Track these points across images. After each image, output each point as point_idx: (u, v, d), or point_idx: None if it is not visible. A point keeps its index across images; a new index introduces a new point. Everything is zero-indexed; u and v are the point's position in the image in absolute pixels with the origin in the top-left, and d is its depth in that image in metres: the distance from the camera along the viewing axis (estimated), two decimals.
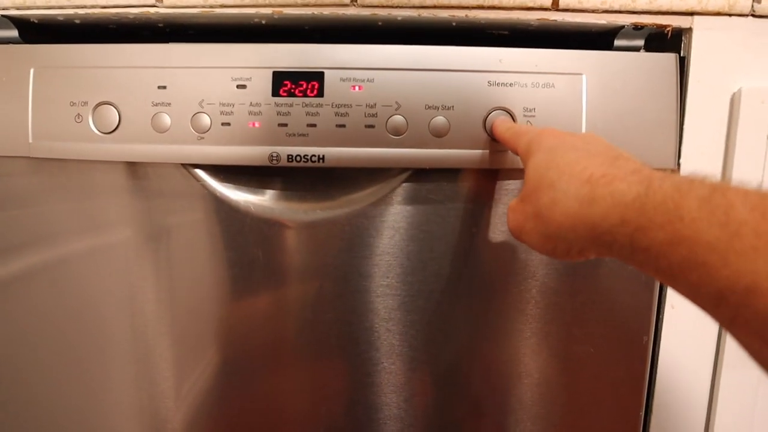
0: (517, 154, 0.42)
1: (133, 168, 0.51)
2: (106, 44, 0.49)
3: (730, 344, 0.53)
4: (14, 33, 0.53)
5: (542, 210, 0.35)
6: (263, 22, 0.53)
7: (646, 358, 0.52)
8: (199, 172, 0.50)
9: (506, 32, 0.56)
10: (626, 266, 0.50)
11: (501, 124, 0.46)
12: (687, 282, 0.27)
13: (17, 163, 0.51)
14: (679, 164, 0.50)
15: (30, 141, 0.50)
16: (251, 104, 0.48)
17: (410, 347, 0.52)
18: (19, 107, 0.50)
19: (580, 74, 0.48)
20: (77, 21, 0.54)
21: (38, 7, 0.52)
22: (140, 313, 0.52)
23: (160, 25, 0.56)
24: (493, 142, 0.47)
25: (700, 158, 0.50)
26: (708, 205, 0.26)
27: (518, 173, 0.49)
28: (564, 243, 0.34)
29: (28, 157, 0.50)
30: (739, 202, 0.25)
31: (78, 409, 0.54)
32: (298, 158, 0.48)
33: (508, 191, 0.50)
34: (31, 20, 0.54)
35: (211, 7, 0.50)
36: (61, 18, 0.53)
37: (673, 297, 0.52)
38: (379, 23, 0.52)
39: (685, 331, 0.52)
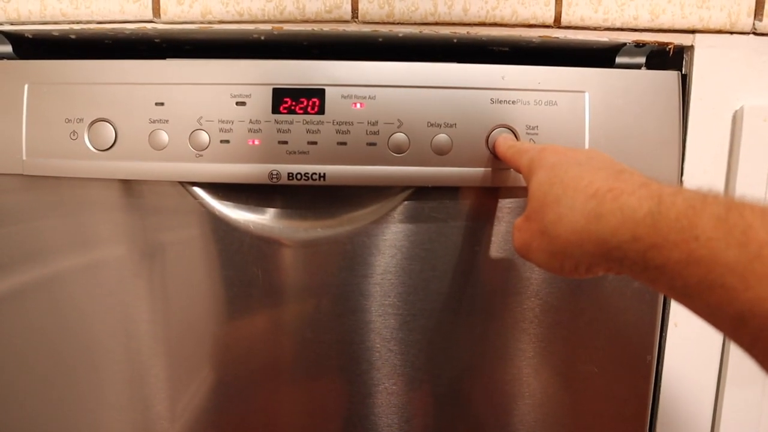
0: (519, 172, 0.41)
1: (130, 186, 0.50)
2: (103, 60, 0.48)
3: (734, 362, 0.52)
4: (8, 48, 0.52)
5: (548, 227, 0.34)
6: (262, 38, 0.53)
7: (649, 377, 0.51)
8: (197, 190, 0.49)
9: (507, 49, 0.55)
10: (629, 285, 0.50)
11: (503, 142, 0.45)
12: (704, 303, 0.26)
13: (10, 180, 0.50)
14: (681, 181, 0.49)
15: (24, 158, 0.49)
16: (251, 121, 0.47)
17: (412, 367, 0.51)
18: (12, 124, 0.49)
19: (583, 92, 0.48)
20: (72, 36, 0.53)
21: (33, 23, 0.51)
22: (136, 333, 0.51)
23: (157, 40, 0.55)
24: (496, 160, 0.47)
25: (702, 176, 0.50)
26: (725, 225, 0.25)
27: (521, 191, 0.49)
28: (571, 260, 0.34)
29: (22, 175, 0.49)
30: (758, 222, 0.25)
31: (70, 425, 0.53)
32: (299, 176, 0.47)
33: (510, 209, 0.49)
34: (26, 35, 0.53)
35: (209, 23, 0.50)
36: (56, 33, 0.52)
37: (676, 315, 0.51)
38: (380, 40, 0.52)
39: (689, 349, 0.52)
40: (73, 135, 0.48)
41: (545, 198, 0.35)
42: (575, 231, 0.32)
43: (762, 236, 0.24)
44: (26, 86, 0.49)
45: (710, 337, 0.52)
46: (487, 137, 0.47)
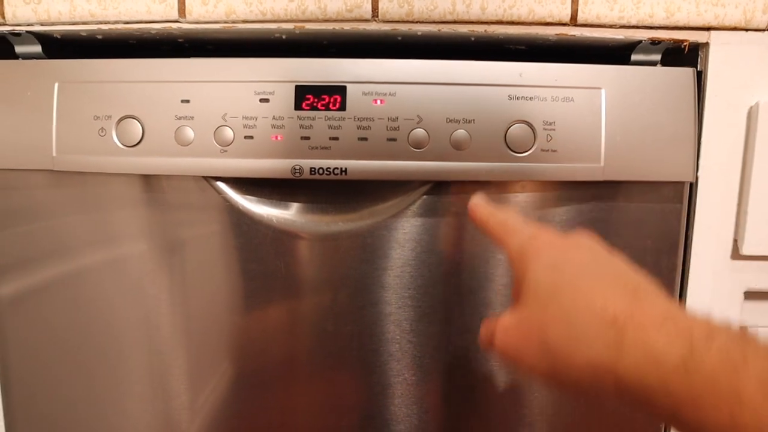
0: (501, 247, 0.37)
1: (155, 181, 0.51)
2: (130, 59, 0.50)
3: None
4: (38, 48, 0.54)
5: (555, 348, 0.30)
6: (284, 37, 0.54)
7: None
8: (221, 185, 0.51)
9: (523, 47, 0.56)
10: (643, 266, 0.51)
11: (482, 208, 0.39)
12: None
13: (39, 176, 0.52)
14: (697, 177, 0.50)
15: (54, 154, 0.50)
16: (274, 117, 0.48)
17: (431, 358, 0.52)
18: (43, 121, 0.50)
19: (599, 88, 0.48)
20: (99, 36, 0.55)
21: (62, 23, 0.52)
22: (160, 325, 0.53)
23: (180, 40, 0.57)
24: (513, 153, 0.48)
25: (718, 172, 0.50)
26: None
27: (538, 185, 0.50)
28: (579, 388, 0.30)
29: (51, 171, 0.51)
30: None
31: (95, 417, 0.54)
32: (321, 171, 0.48)
33: (527, 203, 0.50)
34: (54, 36, 0.54)
35: (233, 22, 0.51)
36: (83, 34, 0.54)
37: (692, 309, 0.52)
38: (399, 38, 0.53)
39: None
40: (102, 132, 0.50)
41: (547, 307, 0.31)
42: (591, 364, 0.28)
43: None
44: (56, 85, 0.50)
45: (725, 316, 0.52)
46: (506, 133, 0.48)
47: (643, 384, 0.27)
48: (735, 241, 0.51)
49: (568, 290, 0.31)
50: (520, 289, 0.33)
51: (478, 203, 0.39)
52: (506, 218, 0.38)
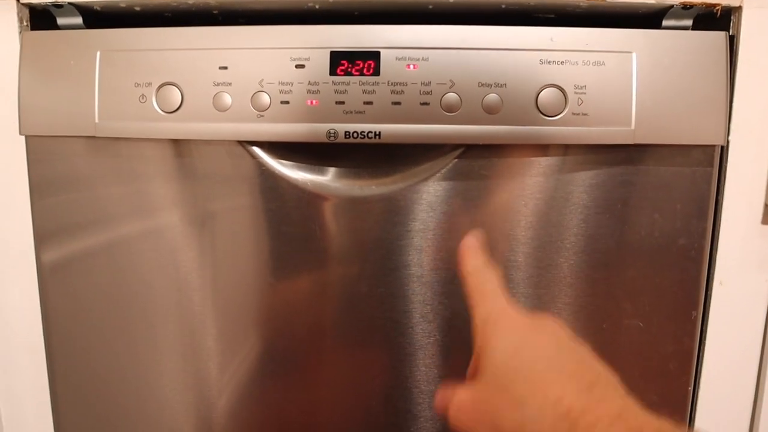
0: (468, 306, 0.38)
1: (193, 147, 0.53)
2: (169, 27, 0.51)
3: None
4: (79, 20, 0.55)
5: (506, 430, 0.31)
6: (317, 6, 0.55)
7: (694, 334, 0.52)
8: (257, 150, 0.52)
9: (552, 15, 0.57)
10: (675, 241, 0.51)
11: (470, 258, 0.38)
12: None
13: (82, 143, 0.53)
14: (728, 141, 0.50)
15: (96, 121, 0.52)
16: (309, 83, 0.49)
17: (463, 320, 0.52)
18: (86, 89, 0.52)
19: (630, 52, 0.49)
20: (137, 8, 0.56)
21: None
22: (196, 288, 0.54)
23: (215, 12, 0.58)
24: (545, 117, 0.48)
25: (749, 136, 0.51)
26: None
27: (569, 149, 0.50)
28: None
29: (93, 138, 0.52)
30: None
31: (131, 375, 0.56)
32: (355, 134, 0.49)
33: (558, 167, 0.51)
34: (95, 8, 0.56)
35: None
36: (123, 5, 0.55)
37: (721, 273, 0.52)
38: (430, 6, 0.54)
39: (734, 308, 0.53)
40: (142, 98, 0.51)
41: (503, 392, 0.31)
42: None
43: None
44: (98, 53, 0.52)
45: (755, 295, 0.53)
46: (537, 96, 0.48)
47: None
48: (765, 205, 0.51)
49: (525, 377, 0.31)
50: (478, 365, 0.34)
51: (470, 247, 0.39)
52: (485, 281, 0.37)
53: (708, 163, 0.50)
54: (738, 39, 0.50)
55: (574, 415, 0.28)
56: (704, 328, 0.53)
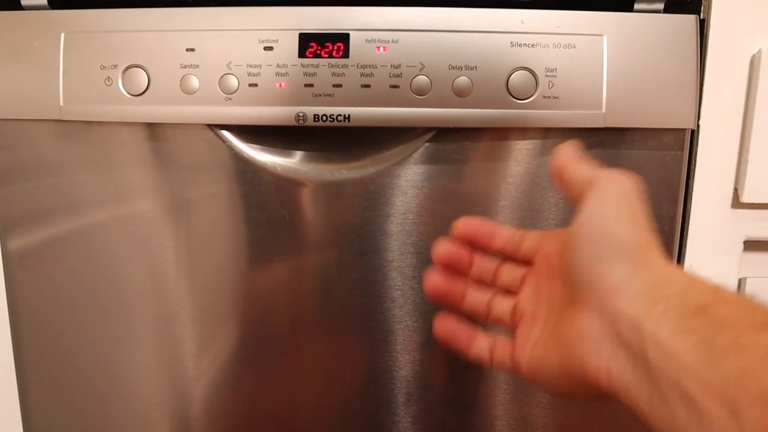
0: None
1: (160, 131, 0.52)
2: (135, 8, 0.50)
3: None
4: (43, 0, 0.54)
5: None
6: None
7: None
8: (226, 134, 0.51)
9: None
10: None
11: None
12: None
13: (47, 127, 0.52)
14: (698, 125, 0.50)
15: (61, 104, 0.51)
16: (278, 65, 0.49)
17: (433, 305, 0.52)
18: (50, 71, 0.51)
19: (601, 35, 0.49)
20: None
21: None
22: (166, 273, 0.54)
23: None
24: (515, 100, 0.48)
25: (719, 119, 0.51)
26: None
27: (540, 132, 0.50)
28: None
29: (59, 122, 0.51)
30: None
31: (104, 362, 0.56)
32: (324, 118, 0.49)
33: (528, 150, 0.50)
34: None
35: None
36: None
37: (691, 256, 0.52)
38: None
39: None
40: (108, 81, 0.50)
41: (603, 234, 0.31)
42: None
43: None
44: (62, 35, 0.51)
45: (726, 278, 0.53)
46: (507, 79, 0.48)
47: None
48: (735, 189, 0.52)
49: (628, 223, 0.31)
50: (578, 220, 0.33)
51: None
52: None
53: (678, 146, 0.50)
54: (708, 23, 0.50)
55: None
56: None
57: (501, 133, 0.50)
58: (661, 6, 0.52)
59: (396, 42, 0.48)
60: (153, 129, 0.52)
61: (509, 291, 0.38)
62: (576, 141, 0.36)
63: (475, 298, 0.39)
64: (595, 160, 0.34)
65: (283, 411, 0.57)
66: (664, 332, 0.26)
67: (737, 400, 0.23)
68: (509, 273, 0.38)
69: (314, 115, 0.49)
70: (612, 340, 0.28)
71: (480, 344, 0.38)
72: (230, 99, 0.49)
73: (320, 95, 0.49)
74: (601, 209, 0.31)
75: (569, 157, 0.35)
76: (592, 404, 0.53)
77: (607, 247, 0.30)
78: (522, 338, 0.36)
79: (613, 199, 0.32)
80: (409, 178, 0.51)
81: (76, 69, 0.51)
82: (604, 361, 0.29)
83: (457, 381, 0.54)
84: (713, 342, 0.25)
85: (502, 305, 0.38)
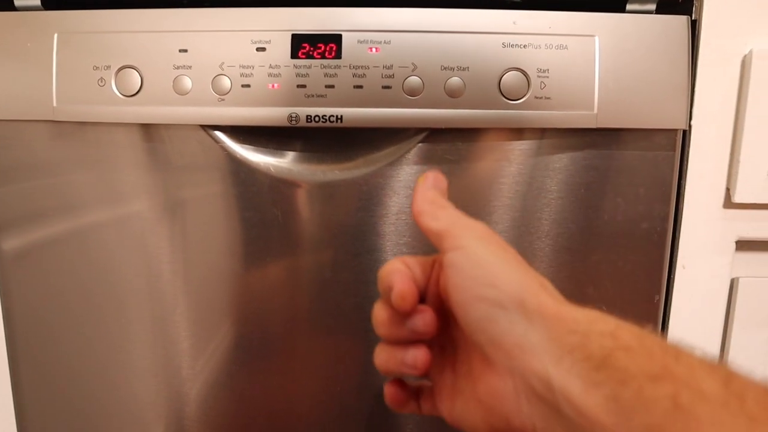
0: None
1: (153, 131, 0.52)
2: (128, 9, 0.50)
3: (741, 305, 0.54)
4: (36, 1, 0.54)
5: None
6: None
7: (657, 317, 0.53)
8: (219, 134, 0.51)
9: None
10: (638, 225, 0.51)
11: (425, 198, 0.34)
12: None
13: (40, 127, 0.52)
14: (690, 125, 0.50)
15: (54, 105, 0.51)
16: (271, 66, 0.49)
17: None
18: (43, 72, 0.51)
19: (593, 36, 0.49)
20: None
21: None
22: (160, 273, 0.54)
23: None
24: (507, 101, 0.48)
25: (711, 120, 0.51)
26: None
27: (532, 133, 0.50)
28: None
29: (52, 122, 0.51)
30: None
31: (99, 362, 0.56)
32: (317, 118, 0.49)
33: (521, 150, 0.51)
34: None
35: None
36: None
37: (683, 257, 0.53)
38: None
39: (696, 290, 0.53)
40: (101, 82, 0.50)
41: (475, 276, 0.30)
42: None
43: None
44: (56, 36, 0.51)
45: (718, 278, 0.53)
46: (500, 80, 0.48)
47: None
48: (727, 189, 0.52)
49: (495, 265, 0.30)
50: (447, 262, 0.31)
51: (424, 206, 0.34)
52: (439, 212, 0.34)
53: (670, 147, 0.51)
54: (700, 24, 0.50)
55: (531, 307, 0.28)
56: (667, 311, 0.53)
57: (493, 134, 0.50)
58: (653, 7, 0.52)
59: (388, 43, 0.48)
60: (147, 129, 0.52)
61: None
62: (436, 174, 0.35)
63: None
64: (450, 209, 0.33)
65: (278, 411, 0.57)
66: (574, 388, 0.26)
67: None
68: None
69: (307, 115, 0.49)
70: (529, 397, 0.28)
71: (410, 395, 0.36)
72: (223, 100, 0.49)
73: (313, 96, 0.49)
74: (469, 267, 0.30)
75: (424, 202, 0.33)
76: None
77: (493, 305, 0.28)
78: (439, 386, 0.34)
79: (480, 252, 0.30)
80: (402, 179, 0.51)
81: (69, 70, 0.51)
82: (527, 417, 0.28)
83: None
84: (620, 397, 0.24)
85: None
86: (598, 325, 0.27)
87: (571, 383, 0.26)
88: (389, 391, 0.36)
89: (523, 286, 0.29)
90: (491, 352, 0.29)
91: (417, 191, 0.34)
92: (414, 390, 0.36)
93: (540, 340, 0.27)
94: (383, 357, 0.34)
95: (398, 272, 0.32)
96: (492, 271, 0.29)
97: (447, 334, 0.34)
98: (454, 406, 0.33)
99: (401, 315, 0.32)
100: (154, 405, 0.57)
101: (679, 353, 0.26)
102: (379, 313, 0.33)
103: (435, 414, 0.35)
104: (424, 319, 0.32)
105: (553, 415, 0.27)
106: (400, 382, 0.36)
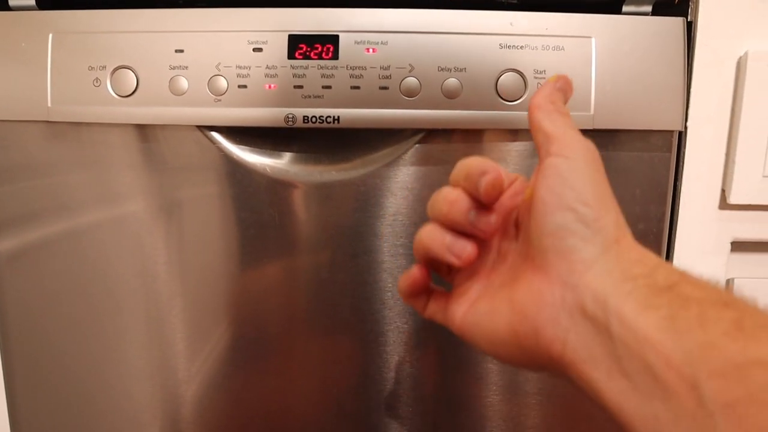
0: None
1: (150, 132, 0.52)
2: (124, 9, 0.50)
3: None
4: (31, 1, 0.54)
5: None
6: None
7: None
8: (215, 135, 0.51)
9: (515, 1, 0.57)
10: (635, 226, 0.51)
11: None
12: None
13: (35, 128, 0.52)
14: (686, 126, 0.51)
15: (49, 105, 0.51)
16: (267, 67, 0.49)
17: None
18: (38, 72, 0.51)
19: (590, 37, 0.49)
20: None
21: None
22: (157, 274, 0.53)
23: None
24: (504, 102, 0.48)
25: (706, 121, 0.51)
26: None
27: (528, 134, 0.50)
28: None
29: (47, 123, 0.51)
30: None
31: (94, 364, 0.56)
32: (314, 119, 0.49)
33: (518, 151, 0.51)
34: None
35: None
36: None
37: (679, 258, 0.53)
38: None
39: None
40: (96, 82, 0.50)
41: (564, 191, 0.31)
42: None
43: None
44: (50, 36, 0.50)
45: (713, 279, 0.53)
46: (496, 81, 0.48)
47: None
48: (723, 190, 0.52)
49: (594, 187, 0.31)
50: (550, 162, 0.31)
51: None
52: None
53: (666, 148, 0.51)
54: (696, 25, 0.50)
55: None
56: None
57: (490, 135, 0.50)
58: (649, 8, 0.52)
59: (385, 44, 0.48)
60: (143, 130, 0.52)
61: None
62: (568, 80, 0.35)
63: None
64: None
65: (275, 412, 0.56)
66: (630, 308, 0.26)
67: (698, 373, 0.23)
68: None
69: (303, 116, 0.49)
70: (572, 312, 0.28)
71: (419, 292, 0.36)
72: (219, 100, 0.49)
73: (309, 97, 0.49)
74: (572, 178, 0.30)
75: (546, 99, 0.34)
76: (582, 402, 0.54)
77: (578, 220, 0.29)
78: (460, 291, 0.35)
79: (584, 169, 0.30)
80: (399, 180, 0.51)
81: (64, 70, 0.50)
82: (561, 330, 0.29)
83: (447, 382, 0.55)
84: (677, 317, 0.25)
85: None
86: (667, 265, 0.29)
87: (628, 304, 0.26)
88: (413, 274, 0.36)
89: (611, 216, 0.30)
90: (553, 261, 0.29)
91: (544, 86, 0.34)
92: (429, 288, 0.37)
93: (606, 264, 0.28)
94: (431, 236, 0.34)
95: (493, 165, 0.32)
96: (590, 191, 0.30)
97: (494, 246, 0.35)
98: (473, 311, 0.33)
99: (473, 203, 0.32)
100: (150, 407, 0.57)
101: (746, 298, 0.26)
102: (451, 192, 0.33)
103: (435, 319, 0.36)
104: (490, 221, 0.33)
105: (594, 333, 0.27)
106: (425, 270, 0.36)
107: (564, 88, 0.35)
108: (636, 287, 0.27)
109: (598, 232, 0.29)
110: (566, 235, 0.29)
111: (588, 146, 0.32)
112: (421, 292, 0.37)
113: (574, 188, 0.30)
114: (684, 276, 0.28)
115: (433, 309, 0.36)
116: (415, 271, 0.36)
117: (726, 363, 0.23)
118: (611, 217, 0.30)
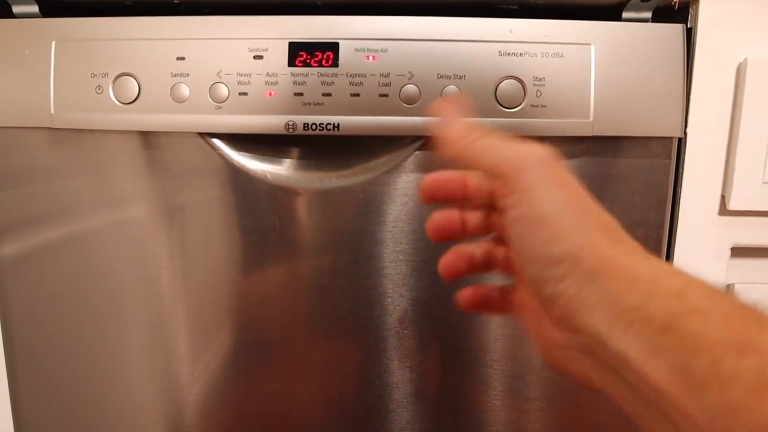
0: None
1: (152, 138, 0.52)
2: (126, 17, 0.50)
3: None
4: (35, 9, 0.54)
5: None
6: None
7: None
8: (217, 142, 0.51)
9: (516, 7, 0.57)
10: (634, 231, 0.51)
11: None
12: None
13: (38, 134, 0.52)
14: (686, 133, 0.51)
15: (52, 112, 0.51)
16: (268, 74, 0.49)
17: (423, 312, 0.53)
18: (41, 79, 0.51)
19: (589, 44, 0.49)
20: None
21: None
22: (158, 280, 0.54)
23: (176, 1, 0.57)
24: (504, 109, 0.48)
25: (706, 128, 0.51)
26: None
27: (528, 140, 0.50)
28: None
29: (50, 129, 0.52)
30: None
31: (97, 368, 0.56)
32: (314, 126, 0.49)
33: None
34: None
35: None
36: None
37: (679, 264, 0.53)
38: None
39: None
40: (99, 89, 0.50)
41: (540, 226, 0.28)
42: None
43: None
44: (53, 43, 0.51)
45: (714, 272, 0.53)
46: (496, 88, 0.48)
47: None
48: (722, 197, 0.52)
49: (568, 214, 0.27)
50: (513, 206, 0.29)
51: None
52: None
53: (666, 155, 0.51)
54: (695, 32, 0.50)
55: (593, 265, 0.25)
56: None
57: None
58: (648, 15, 0.52)
59: (385, 51, 0.49)
60: (145, 137, 0.52)
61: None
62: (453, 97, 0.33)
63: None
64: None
65: (276, 416, 0.57)
66: (633, 353, 0.23)
67: None
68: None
69: (304, 123, 0.49)
70: (583, 351, 0.27)
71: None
72: (220, 107, 0.49)
73: (310, 104, 0.49)
74: (534, 224, 0.27)
75: (458, 125, 0.31)
76: (582, 408, 0.54)
77: (550, 267, 0.26)
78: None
79: (537, 196, 0.28)
80: (399, 186, 0.51)
81: (67, 77, 0.51)
82: (581, 367, 0.27)
83: (447, 386, 0.55)
84: (690, 367, 0.22)
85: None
86: (663, 282, 0.25)
87: (629, 347, 0.23)
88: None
89: (584, 240, 0.26)
90: (546, 306, 0.27)
91: (444, 115, 0.32)
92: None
93: (595, 300, 0.25)
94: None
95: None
96: (553, 227, 0.27)
97: None
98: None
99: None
100: (152, 410, 0.57)
101: (763, 320, 0.22)
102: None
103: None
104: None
105: (610, 373, 0.25)
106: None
107: (456, 106, 0.33)
108: (632, 323, 0.24)
109: (574, 266, 0.26)
110: (543, 285, 0.27)
111: (530, 155, 0.29)
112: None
113: (535, 236, 0.27)
114: (686, 298, 0.24)
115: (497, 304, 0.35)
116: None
117: (757, 428, 0.20)
118: (587, 243, 0.26)
